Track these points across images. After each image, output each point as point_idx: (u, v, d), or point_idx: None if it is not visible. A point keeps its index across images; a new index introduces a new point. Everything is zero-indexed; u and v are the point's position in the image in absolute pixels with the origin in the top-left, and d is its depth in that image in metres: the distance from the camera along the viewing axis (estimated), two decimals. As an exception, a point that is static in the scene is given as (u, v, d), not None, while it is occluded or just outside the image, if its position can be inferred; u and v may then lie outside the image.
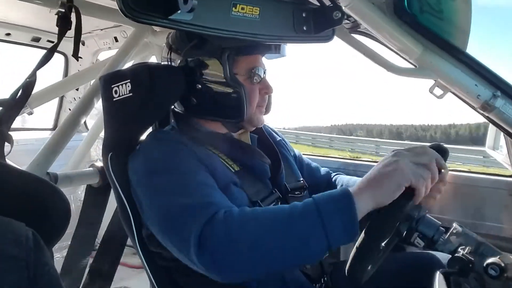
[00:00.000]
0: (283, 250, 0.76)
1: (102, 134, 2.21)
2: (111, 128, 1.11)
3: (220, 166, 1.02)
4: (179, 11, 0.74)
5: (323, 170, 1.44)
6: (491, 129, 1.50)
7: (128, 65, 1.93)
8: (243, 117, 1.06)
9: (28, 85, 1.26)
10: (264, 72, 1.12)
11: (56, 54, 1.32)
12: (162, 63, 1.16)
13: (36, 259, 0.63)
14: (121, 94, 1.06)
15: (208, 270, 0.78)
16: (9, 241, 0.59)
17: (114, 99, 1.07)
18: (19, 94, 1.23)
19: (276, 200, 1.09)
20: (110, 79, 1.10)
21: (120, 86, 1.06)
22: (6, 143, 1.19)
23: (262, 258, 0.76)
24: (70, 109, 2.51)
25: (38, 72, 1.24)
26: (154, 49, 1.88)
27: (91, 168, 1.53)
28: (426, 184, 0.79)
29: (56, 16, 1.34)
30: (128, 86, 1.05)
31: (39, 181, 1.07)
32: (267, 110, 1.21)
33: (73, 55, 1.38)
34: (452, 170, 1.40)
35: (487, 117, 1.19)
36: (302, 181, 1.23)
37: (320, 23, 1.06)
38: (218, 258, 0.76)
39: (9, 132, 1.19)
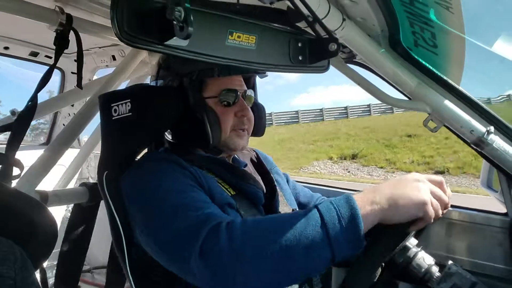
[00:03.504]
0: (288, 259, 0.72)
1: (95, 151, 2.21)
2: (108, 146, 1.11)
3: (217, 187, 1.01)
4: (174, 37, 0.75)
5: (312, 194, 1.42)
6: (485, 164, 1.50)
7: (124, 83, 1.95)
8: (209, 142, 1.05)
9: (31, 108, 1.30)
10: (244, 94, 1.12)
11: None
12: (151, 82, 1.16)
13: (23, 278, 0.63)
14: (120, 113, 1.06)
15: (211, 282, 0.75)
16: None
17: (113, 118, 1.07)
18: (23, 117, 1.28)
19: None
20: (110, 98, 1.10)
21: (120, 105, 1.06)
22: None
23: (266, 269, 0.73)
24: (64, 124, 2.50)
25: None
26: (150, 68, 1.88)
27: (80, 187, 1.50)
28: (436, 215, 0.80)
29: (52, 31, 1.37)
30: (128, 106, 1.05)
31: (27, 200, 1.06)
32: (257, 132, 1.21)
33: (77, 86, 1.44)
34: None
35: (480, 153, 1.19)
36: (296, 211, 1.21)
37: (315, 54, 1.06)
38: (221, 269, 0.73)
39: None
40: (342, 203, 0.75)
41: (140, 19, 0.76)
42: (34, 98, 1.32)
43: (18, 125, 1.28)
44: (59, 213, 2.44)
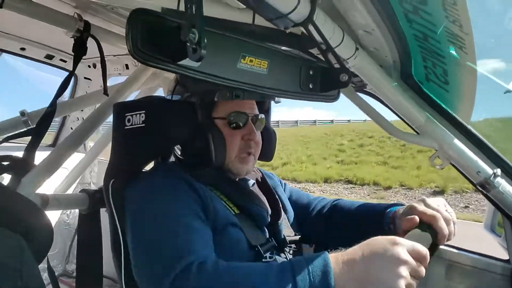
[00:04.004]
0: None
1: (99, 157, 2.21)
2: (118, 155, 1.12)
3: (221, 206, 1.01)
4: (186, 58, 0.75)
5: (314, 199, 1.38)
6: (489, 207, 1.46)
7: (135, 93, 1.97)
8: (211, 163, 1.04)
9: (49, 113, 1.35)
10: (254, 118, 1.11)
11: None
12: (167, 96, 1.17)
13: (29, 270, 0.65)
14: (133, 123, 1.07)
15: None
16: (5, 250, 0.62)
17: (126, 127, 1.08)
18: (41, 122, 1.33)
19: (272, 249, 1.06)
20: (125, 107, 1.12)
21: (134, 116, 1.07)
22: None
23: None
24: (72, 128, 2.52)
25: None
26: (162, 80, 1.91)
27: (81, 194, 1.50)
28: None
29: (69, 37, 1.40)
30: (142, 117, 1.06)
31: (26, 204, 1.06)
32: (265, 157, 1.20)
33: (104, 93, 1.50)
34: (447, 245, 1.36)
35: (485, 195, 1.17)
36: (299, 236, 1.20)
37: (326, 83, 1.06)
38: None
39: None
40: (318, 265, 0.73)
41: (154, 37, 0.77)
42: (53, 103, 1.37)
43: (38, 130, 1.33)
44: (55, 216, 2.43)
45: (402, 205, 1.05)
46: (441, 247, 1.25)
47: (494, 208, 1.31)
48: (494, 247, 1.39)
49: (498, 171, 1.09)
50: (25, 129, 1.41)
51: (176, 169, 1.06)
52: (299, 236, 1.19)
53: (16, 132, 1.43)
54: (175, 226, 0.88)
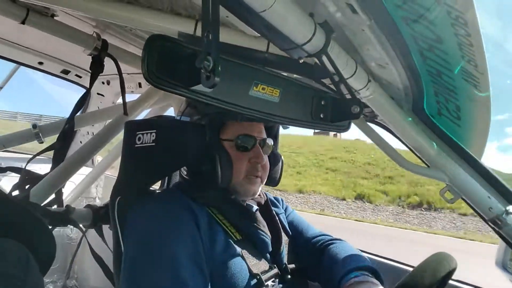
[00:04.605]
0: None
1: (106, 172, 2.22)
2: (126, 172, 1.13)
3: (221, 237, 1.00)
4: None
5: (312, 233, 1.33)
6: (501, 244, 1.43)
7: (146, 112, 1.99)
8: (217, 184, 1.04)
9: (69, 129, 1.46)
10: (262, 141, 1.11)
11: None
12: (177, 116, 1.18)
13: (33, 281, 0.66)
14: (144, 142, 1.08)
15: None
16: (10, 260, 0.64)
17: (136, 146, 1.09)
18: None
19: (275, 277, 1.04)
20: (137, 126, 1.13)
21: (145, 134, 1.08)
22: None
23: None
24: (81, 142, 2.54)
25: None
26: (173, 101, 1.93)
27: (85, 209, 1.50)
28: None
29: (86, 55, 1.43)
30: (153, 136, 1.06)
31: (32, 219, 1.06)
32: (271, 181, 1.20)
33: (124, 113, 1.54)
34: (457, 281, 1.31)
35: (497, 232, 1.14)
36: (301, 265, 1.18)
37: (337, 114, 1.06)
38: None
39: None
40: None
41: (169, 62, 0.78)
42: (71, 119, 1.45)
43: (59, 145, 1.44)
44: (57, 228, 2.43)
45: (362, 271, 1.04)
46: (452, 282, 1.23)
47: (505, 245, 1.28)
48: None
49: (511, 208, 1.07)
50: (49, 145, 1.48)
51: (181, 197, 1.05)
52: (303, 265, 1.17)
53: (44, 148, 1.50)
54: (167, 279, 0.87)
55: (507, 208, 1.08)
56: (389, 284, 0.98)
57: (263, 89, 0.94)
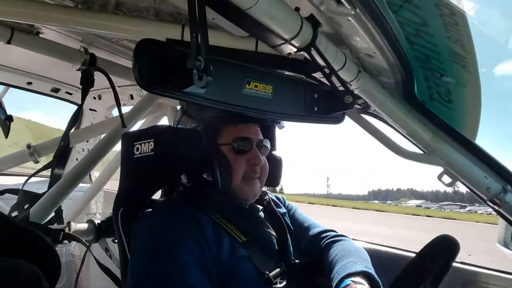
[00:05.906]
0: None
1: (105, 187, 2.21)
2: (127, 183, 1.12)
3: (227, 241, 1.00)
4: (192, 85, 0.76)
5: (316, 230, 1.31)
6: (501, 223, 1.44)
7: (140, 123, 1.98)
8: (217, 189, 1.04)
9: (64, 147, 1.46)
10: (258, 143, 1.11)
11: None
12: (173, 125, 1.18)
13: None
14: (142, 152, 1.07)
15: None
16: (22, 278, 0.63)
17: (135, 156, 1.08)
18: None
19: (283, 274, 1.04)
20: (134, 136, 1.12)
21: (143, 144, 1.07)
22: None
23: None
24: (77, 159, 2.52)
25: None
26: (167, 110, 1.92)
27: (86, 224, 1.48)
28: None
29: (75, 70, 1.43)
30: (151, 145, 1.06)
31: (35, 240, 1.05)
32: (272, 182, 1.20)
33: (122, 126, 1.53)
34: (462, 263, 1.32)
35: (497, 211, 1.15)
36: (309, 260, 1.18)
37: (331, 106, 1.07)
38: None
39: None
40: None
41: (160, 66, 0.78)
42: (65, 137, 1.44)
43: (56, 164, 1.44)
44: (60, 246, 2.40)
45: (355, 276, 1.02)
46: (456, 264, 1.23)
47: (506, 224, 1.29)
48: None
49: (509, 186, 1.08)
50: (45, 163, 1.49)
51: (183, 205, 1.05)
52: (310, 261, 1.17)
53: (41, 167, 1.49)
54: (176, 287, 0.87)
55: (505, 186, 1.09)
56: (393, 271, 0.97)
57: (255, 86, 0.94)
